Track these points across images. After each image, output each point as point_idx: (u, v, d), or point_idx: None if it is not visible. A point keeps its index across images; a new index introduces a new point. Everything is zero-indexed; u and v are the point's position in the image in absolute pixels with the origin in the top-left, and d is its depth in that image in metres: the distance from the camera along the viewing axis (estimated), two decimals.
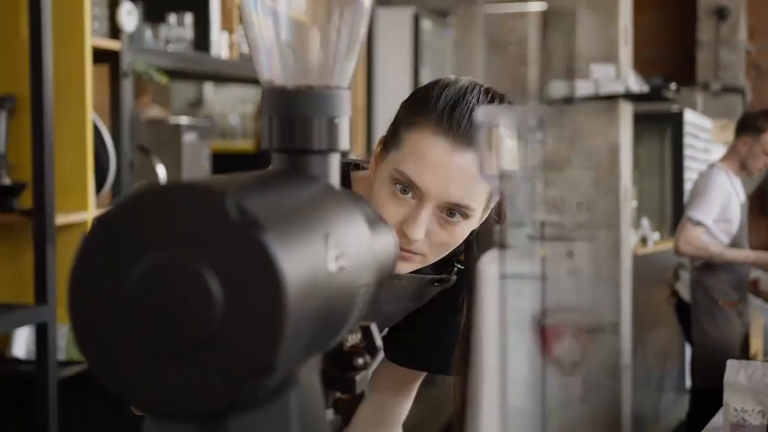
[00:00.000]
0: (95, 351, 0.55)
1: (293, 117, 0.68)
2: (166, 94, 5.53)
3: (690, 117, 6.66)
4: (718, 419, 2.11)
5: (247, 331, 0.52)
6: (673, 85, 5.42)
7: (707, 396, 4.20)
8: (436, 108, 1.20)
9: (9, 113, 2.55)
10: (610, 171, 4.86)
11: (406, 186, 1.20)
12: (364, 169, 1.38)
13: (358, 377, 0.76)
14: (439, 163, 1.18)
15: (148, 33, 3.26)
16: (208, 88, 5.73)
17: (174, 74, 3.58)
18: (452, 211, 1.20)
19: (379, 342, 0.76)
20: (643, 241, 5.51)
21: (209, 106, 5.77)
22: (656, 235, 5.78)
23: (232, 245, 0.52)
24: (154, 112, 4.63)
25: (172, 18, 3.43)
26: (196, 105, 5.75)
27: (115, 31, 2.91)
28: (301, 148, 0.68)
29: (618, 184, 4.82)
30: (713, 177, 4.41)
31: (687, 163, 6.60)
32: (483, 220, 1.28)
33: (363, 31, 0.72)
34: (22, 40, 2.47)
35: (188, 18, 3.44)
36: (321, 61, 0.70)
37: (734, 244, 4.36)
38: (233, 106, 5.81)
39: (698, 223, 4.34)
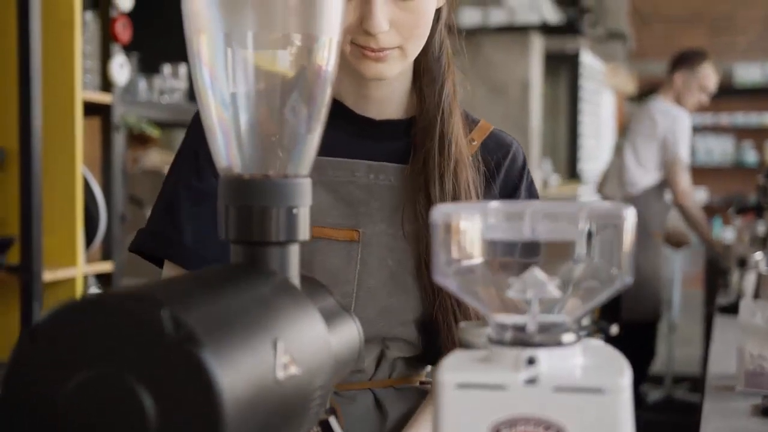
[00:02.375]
0: None
1: (250, 206, 0.65)
2: (170, 140, 5.49)
3: (586, 59, 6.55)
4: (730, 366, 1.77)
5: None
6: (589, 17, 5.24)
7: (635, 331, 4.00)
8: None
9: None
10: (520, 108, 4.67)
11: None
12: None
13: None
14: None
15: (142, 84, 3.25)
16: None
17: (168, 125, 3.57)
18: None
19: None
20: (544, 183, 5.41)
21: None
22: (555, 178, 5.65)
23: (167, 361, 0.49)
24: (154, 157, 4.59)
25: (167, 69, 3.43)
26: None
27: (107, 84, 2.90)
28: (259, 239, 0.65)
29: (528, 123, 4.63)
30: (682, 116, 4.26)
31: (579, 106, 6.52)
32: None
33: (325, 106, 0.67)
34: (11, 93, 2.45)
35: (183, 69, 3.44)
36: (279, 147, 0.67)
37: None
38: None
39: (688, 166, 4.20)
